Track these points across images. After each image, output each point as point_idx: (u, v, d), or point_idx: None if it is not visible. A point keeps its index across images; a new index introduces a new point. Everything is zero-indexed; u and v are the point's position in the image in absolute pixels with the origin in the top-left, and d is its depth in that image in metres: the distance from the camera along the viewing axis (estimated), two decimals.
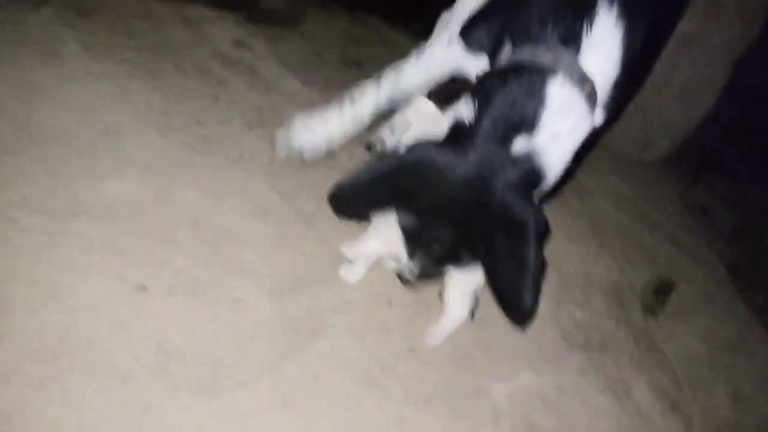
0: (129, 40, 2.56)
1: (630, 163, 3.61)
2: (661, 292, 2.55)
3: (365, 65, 3.21)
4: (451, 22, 2.07)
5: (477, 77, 1.73)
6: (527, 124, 1.49)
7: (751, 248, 3.35)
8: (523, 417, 1.84)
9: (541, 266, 1.51)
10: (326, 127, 2.21)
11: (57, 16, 2.49)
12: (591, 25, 1.57)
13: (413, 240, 1.68)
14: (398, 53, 2.18)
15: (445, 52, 2.00)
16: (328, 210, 1.68)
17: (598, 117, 1.68)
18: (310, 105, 2.40)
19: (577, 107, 1.55)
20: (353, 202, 1.67)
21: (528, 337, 2.09)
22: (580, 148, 1.63)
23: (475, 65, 1.92)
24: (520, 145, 1.48)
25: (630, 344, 2.29)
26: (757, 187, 3.88)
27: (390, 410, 1.70)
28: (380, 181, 1.57)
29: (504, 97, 1.51)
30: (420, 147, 1.54)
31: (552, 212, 2.74)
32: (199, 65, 2.59)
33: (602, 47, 1.58)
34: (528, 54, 1.58)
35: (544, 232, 1.49)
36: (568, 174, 1.66)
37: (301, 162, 2.14)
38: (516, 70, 1.55)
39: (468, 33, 1.90)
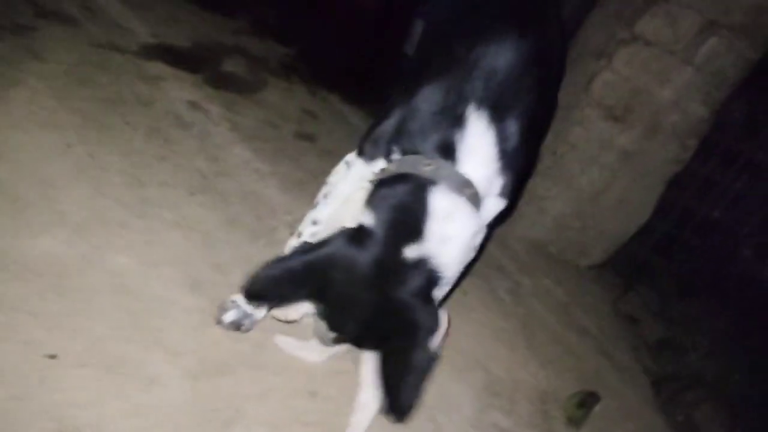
0: (82, 89, 2.51)
1: (565, 267, 3.70)
2: (585, 405, 2.56)
3: (318, 140, 3.24)
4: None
5: (371, 182, 1.82)
6: (415, 232, 1.61)
7: (674, 362, 3.43)
8: None
9: (429, 364, 1.61)
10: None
11: (9, 57, 2.44)
12: (463, 132, 1.71)
13: (326, 322, 1.73)
14: (351, 131, 2.22)
15: (348, 177, 2.05)
16: None
17: (498, 204, 1.86)
18: (257, 174, 2.38)
19: (461, 211, 1.67)
20: (265, 294, 1.70)
21: None
22: (488, 231, 1.89)
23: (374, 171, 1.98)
24: (411, 251, 1.60)
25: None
26: (683, 302, 4.02)
27: None
28: (290, 276, 1.63)
29: (393, 207, 1.65)
30: (334, 242, 1.64)
31: (485, 311, 2.78)
32: (151, 123, 2.56)
33: (478, 151, 1.72)
34: (410, 164, 1.71)
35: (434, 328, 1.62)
36: (470, 263, 1.84)
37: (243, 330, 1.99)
38: (402, 180, 1.68)
39: (362, 147, 1.98)
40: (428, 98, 1.77)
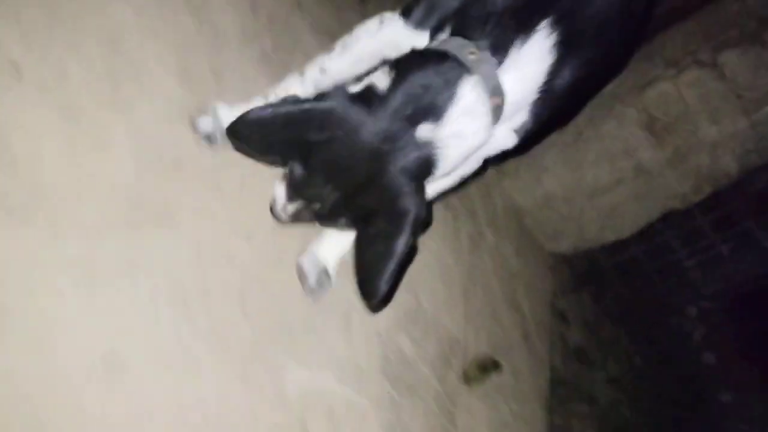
0: None
1: (531, 243, 3.66)
2: (485, 369, 2.57)
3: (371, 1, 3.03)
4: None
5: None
6: (435, 113, 1.49)
7: (579, 373, 3.49)
8: (300, 415, 1.76)
9: (410, 255, 1.50)
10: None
11: None
12: (524, 42, 1.56)
13: (296, 189, 1.60)
14: None
15: (376, 36, 1.84)
16: None
17: (509, 139, 1.77)
18: (297, 7, 2.20)
19: (483, 114, 1.54)
20: (252, 136, 1.53)
21: (351, 342, 2.02)
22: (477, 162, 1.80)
23: (412, 42, 1.79)
24: (424, 131, 1.48)
25: (430, 400, 2.29)
26: (615, 326, 4.06)
27: (191, 345, 1.58)
28: (285, 121, 1.48)
29: (420, 79, 1.50)
30: (335, 97, 1.49)
31: (441, 244, 2.72)
32: None
33: (526, 68, 1.59)
34: (455, 46, 1.55)
35: (422, 224, 1.50)
36: (462, 182, 1.78)
37: (213, 145, 1.87)
38: (439, 56, 1.54)
39: (411, 10, 1.78)
40: None
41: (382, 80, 1.52)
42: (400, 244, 1.45)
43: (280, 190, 1.65)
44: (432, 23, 1.71)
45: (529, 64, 1.58)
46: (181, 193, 1.71)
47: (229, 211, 1.83)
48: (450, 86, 1.50)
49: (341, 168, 1.50)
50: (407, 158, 1.47)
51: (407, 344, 2.26)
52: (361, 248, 1.54)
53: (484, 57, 1.54)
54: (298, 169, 1.56)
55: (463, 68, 1.51)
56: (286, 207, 1.65)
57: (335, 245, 1.99)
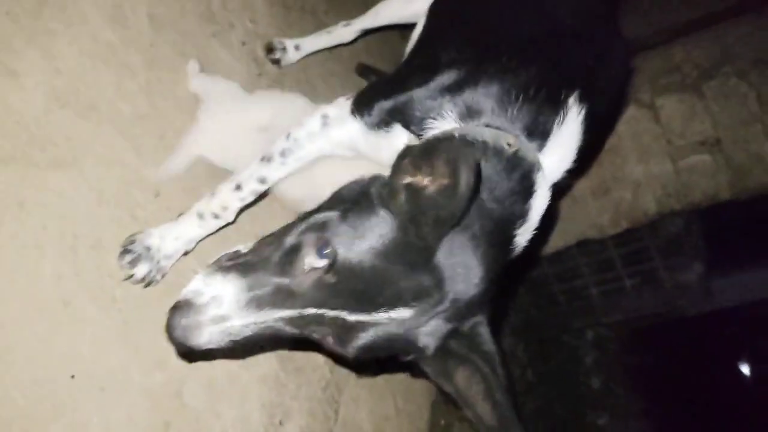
0: None
1: None
2: None
3: None
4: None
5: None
6: (522, 215, 1.39)
7: None
8: (179, 382, 1.73)
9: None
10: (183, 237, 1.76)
11: None
12: (561, 122, 1.46)
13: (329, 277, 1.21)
14: None
15: (320, 140, 1.70)
16: None
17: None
18: None
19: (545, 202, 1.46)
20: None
21: None
22: None
23: (376, 141, 1.62)
24: (519, 231, 1.39)
25: (317, 385, 2.27)
26: (527, 333, 4.15)
27: (72, 298, 1.51)
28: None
29: (494, 179, 1.34)
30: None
31: None
32: None
33: (566, 146, 1.51)
34: (493, 137, 1.37)
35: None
36: None
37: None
38: (503, 156, 1.36)
39: (364, 104, 1.61)
40: (521, 65, 1.44)
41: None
42: (504, 378, 1.29)
43: (225, 288, 1.23)
44: (397, 119, 1.54)
45: (568, 141, 1.51)
46: (90, 137, 1.64)
47: (140, 165, 1.77)
48: (529, 188, 1.39)
49: (442, 267, 1.24)
50: (502, 259, 1.37)
51: None
52: (468, 400, 1.32)
53: (526, 145, 1.40)
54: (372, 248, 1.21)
55: (529, 164, 1.38)
56: (230, 319, 1.20)
57: None
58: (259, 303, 1.20)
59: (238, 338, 1.21)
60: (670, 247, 3.64)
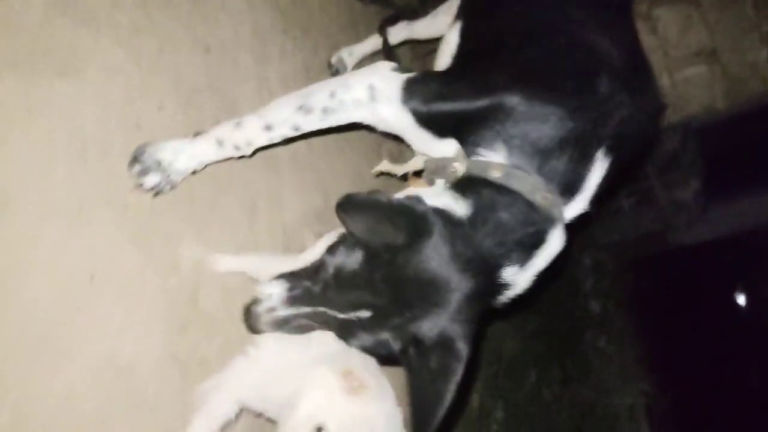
0: None
1: None
2: None
3: None
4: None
5: (469, 178, 1.55)
6: (522, 259, 1.49)
7: None
8: (192, 286, 1.76)
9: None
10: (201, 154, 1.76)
11: None
12: (588, 176, 1.56)
13: (329, 285, 1.47)
14: None
15: (366, 111, 1.70)
16: None
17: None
18: None
19: (561, 247, 1.57)
20: (356, 216, 1.42)
21: (254, 229, 2.03)
22: None
23: (424, 142, 1.68)
24: (509, 273, 1.48)
25: None
26: None
27: (85, 198, 1.54)
28: (387, 212, 1.40)
29: (505, 222, 1.48)
30: (422, 206, 1.45)
31: (359, 163, 2.72)
32: None
33: (587, 194, 1.59)
34: (529, 188, 1.48)
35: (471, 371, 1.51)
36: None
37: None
38: (520, 200, 1.48)
39: (419, 98, 1.62)
40: (557, 112, 1.51)
41: (454, 206, 1.49)
42: (452, 390, 1.39)
43: (275, 290, 1.50)
44: (455, 128, 1.60)
45: (590, 190, 1.58)
46: (90, 46, 1.64)
47: (143, 76, 1.77)
48: (539, 237, 1.50)
49: (412, 281, 1.40)
50: (481, 296, 1.45)
51: (312, 242, 2.28)
52: (418, 381, 1.44)
53: (557, 202, 1.51)
54: (350, 263, 1.45)
55: (550, 219, 1.50)
56: (278, 310, 1.49)
57: None
58: (294, 300, 1.49)
59: (287, 325, 1.50)
60: (666, 164, 3.68)
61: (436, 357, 1.41)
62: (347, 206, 1.38)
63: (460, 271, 1.41)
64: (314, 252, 1.56)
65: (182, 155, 1.71)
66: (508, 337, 3.59)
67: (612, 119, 1.57)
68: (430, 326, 1.41)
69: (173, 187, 1.74)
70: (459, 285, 1.41)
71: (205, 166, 1.80)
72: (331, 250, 1.49)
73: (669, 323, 6.21)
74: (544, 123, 1.50)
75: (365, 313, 1.42)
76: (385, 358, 1.54)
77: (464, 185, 1.54)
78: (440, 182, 1.63)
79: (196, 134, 1.76)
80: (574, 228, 1.66)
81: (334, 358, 1.51)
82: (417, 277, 1.40)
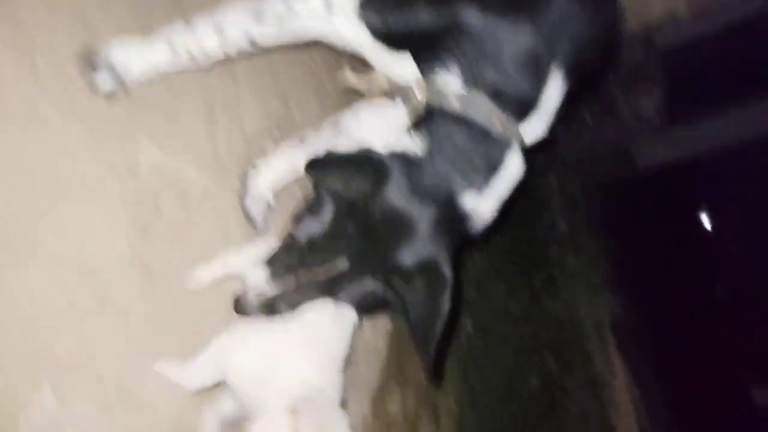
0: None
1: None
2: None
3: None
4: None
5: (428, 110, 1.58)
6: (479, 183, 1.53)
7: None
8: (152, 190, 1.74)
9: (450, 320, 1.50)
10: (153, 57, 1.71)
11: None
12: (544, 93, 1.57)
13: (304, 253, 1.51)
14: None
15: (322, 23, 1.66)
16: None
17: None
18: None
19: (520, 171, 1.61)
20: (328, 174, 1.50)
21: (214, 136, 2.00)
22: None
23: (377, 55, 1.69)
24: (468, 198, 1.51)
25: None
26: None
27: (37, 100, 1.49)
28: (354, 162, 1.48)
29: (459, 150, 1.52)
30: (385, 155, 1.50)
31: (319, 71, 2.67)
32: None
33: (546, 110, 1.60)
34: (484, 114, 1.53)
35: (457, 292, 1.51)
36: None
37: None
38: (476, 128, 1.53)
39: (374, 10, 1.61)
40: (511, 28, 1.53)
41: (410, 145, 1.52)
42: (445, 303, 1.45)
43: (257, 274, 1.54)
44: (412, 45, 1.61)
45: (549, 106, 1.60)
46: None
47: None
48: (493, 160, 1.54)
49: (383, 223, 1.47)
50: (448, 223, 1.50)
51: (272, 150, 2.26)
52: (411, 310, 1.51)
53: (512, 126, 1.54)
54: (321, 223, 1.50)
55: (502, 141, 1.54)
56: (266, 293, 1.52)
57: (271, 177, 2.02)
58: (278, 279, 1.51)
59: (279, 305, 1.54)
60: (628, 76, 3.68)
61: (422, 282, 1.49)
62: (319, 164, 1.47)
63: (421, 202, 1.47)
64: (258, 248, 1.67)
65: (135, 58, 1.67)
66: (475, 252, 3.64)
67: (566, 33, 1.58)
68: (407, 256, 1.48)
69: (127, 91, 1.70)
70: (423, 214, 1.47)
71: (160, 73, 1.76)
72: (296, 220, 1.54)
73: (636, 243, 6.36)
74: (499, 39, 1.52)
75: (344, 264, 1.48)
76: (377, 306, 1.61)
77: (421, 121, 1.58)
78: (399, 113, 1.67)
79: (148, 36, 1.71)
80: (536, 148, 1.69)
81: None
82: (384, 217, 1.47)
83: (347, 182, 1.47)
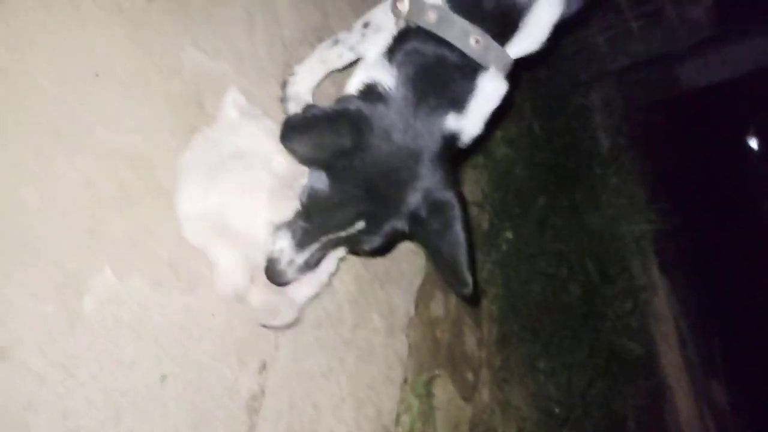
0: None
1: None
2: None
3: None
4: None
5: (395, 36, 1.59)
6: (458, 104, 1.51)
7: None
8: (196, 89, 1.78)
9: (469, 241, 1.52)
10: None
11: None
12: (529, 12, 1.53)
13: (320, 217, 1.52)
14: None
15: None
16: None
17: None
18: None
19: (501, 89, 1.58)
20: (301, 144, 1.45)
21: (254, 41, 2.02)
22: None
23: None
24: (450, 121, 1.50)
25: None
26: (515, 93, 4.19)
27: None
28: (326, 123, 1.44)
29: (433, 74, 1.50)
30: (350, 101, 1.48)
31: None
32: None
33: (534, 33, 1.58)
34: (458, 34, 1.50)
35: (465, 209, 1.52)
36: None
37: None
38: (446, 50, 1.51)
39: None
40: None
41: (384, 78, 1.49)
42: (462, 233, 1.47)
43: (283, 243, 1.55)
44: None
45: (538, 25, 1.57)
46: None
47: None
48: (467, 81, 1.52)
49: (379, 173, 1.46)
50: (439, 149, 1.49)
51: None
52: (431, 245, 1.53)
53: (489, 43, 1.50)
54: (323, 190, 1.49)
55: (475, 64, 1.51)
56: (294, 259, 1.56)
57: (309, 79, 2.04)
58: (301, 244, 1.54)
59: (306, 267, 1.59)
60: None
61: (436, 218, 1.50)
62: (288, 133, 1.42)
63: (409, 140, 1.47)
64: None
65: None
66: (517, 166, 3.63)
67: None
68: (415, 199, 1.50)
69: None
70: (415, 153, 1.48)
71: None
72: (302, 194, 1.55)
73: (679, 161, 6.24)
74: None
75: (361, 223, 1.50)
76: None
77: (396, 44, 1.57)
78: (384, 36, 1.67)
79: None
80: (528, 64, 1.70)
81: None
82: (379, 168, 1.46)
83: (321, 146, 1.45)
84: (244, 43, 2.00)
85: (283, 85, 2.06)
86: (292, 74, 2.06)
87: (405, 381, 2.30)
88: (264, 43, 2.07)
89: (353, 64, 1.87)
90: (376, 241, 1.57)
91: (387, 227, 1.54)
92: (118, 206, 1.51)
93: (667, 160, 5.81)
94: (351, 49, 1.97)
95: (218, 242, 1.61)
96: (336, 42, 2.01)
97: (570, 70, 4.14)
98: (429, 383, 2.37)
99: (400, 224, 1.54)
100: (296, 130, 1.43)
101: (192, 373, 1.57)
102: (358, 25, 1.99)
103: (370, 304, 2.26)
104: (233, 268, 1.62)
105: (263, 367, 1.77)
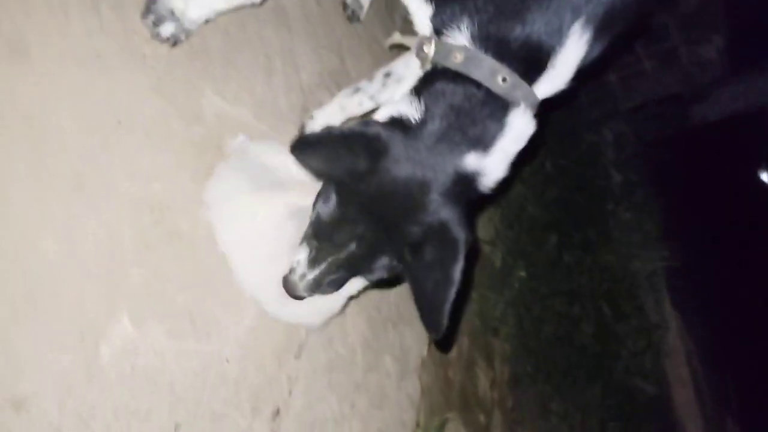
0: None
1: None
2: None
3: None
4: None
5: (420, 78, 1.58)
6: (482, 143, 1.48)
7: None
8: (217, 134, 1.81)
9: (464, 286, 1.48)
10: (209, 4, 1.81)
11: None
12: (558, 52, 1.49)
13: (323, 236, 1.53)
14: None
15: None
16: None
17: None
18: None
19: (530, 128, 1.54)
20: (311, 157, 1.46)
21: (272, 86, 2.05)
22: None
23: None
24: (471, 160, 1.47)
25: None
26: None
27: (103, 48, 1.56)
28: (341, 141, 1.43)
29: (461, 111, 1.47)
30: (373, 126, 1.46)
31: (374, 30, 2.70)
32: None
33: (562, 73, 1.54)
34: (486, 74, 1.47)
35: (472, 254, 1.48)
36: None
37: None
38: (474, 89, 1.48)
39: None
40: None
41: (409, 111, 1.49)
42: (457, 273, 1.43)
43: (301, 256, 1.56)
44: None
45: (566, 67, 1.53)
46: None
47: None
48: (496, 119, 1.48)
49: (385, 198, 1.45)
50: (452, 187, 1.46)
51: (328, 101, 2.30)
52: (418, 279, 1.49)
53: (517, 82, 1.47)
54: (329, 207, 1.49)
55: (505, 102, 1.47)
56: (306, 275, 1.55)
57: (326, 123, 2.04)
58: (313, 261, 1.54)
59: (316, 285, 1.56)
60: (688, 22, 3.57)
61: (433, 253, 1.45)
62: (301, 147, 1.43)
63: (419, 171, 1.44)
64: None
65: (194, 2, 1.72)
66: (529, 204, 3.64)
67: None
68: (415, 230, 1.46)
69: (188, 35, 1.76)
70: (424, 185, 1.45)
71: (218, 17, 1.81)
72: (316, 202, 1.55)
73: (691, 197, 6.24)
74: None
75: (353, 245, 1.49)
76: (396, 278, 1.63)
77: (423, 83, 1.56)
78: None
79: None
80: (557, 102, 1.65)
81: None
82: (387, 193, 1.44)
83: (334, 162, 1.44)
84: (262, 88, 2.02)
85: (301, 128, 2.09)
86: (311, 118, 2.09)
87: (417, 425, 2.28)
88: (282, 87, 2.10)
89: (372, 113, 1.88)
90: (371, 270, 1.56)
91: (383, 258, 1.53)
92: (137, 253, 1.52)
93: (679, 195, 5.82)
94: (371, 98, 2.00)
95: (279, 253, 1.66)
96: (357, 90, 2.04)
97: (582, 108, 4.16)
98: (441, 427, 2.35)
99: (394, 252, 1.51)
100: (310, 145, 1.45)
101: (205, 421, 1.56)
102: (380, 74, 2.01)
103: (383, 346, 2.26)
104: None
105: (276, 413, 1.76)
